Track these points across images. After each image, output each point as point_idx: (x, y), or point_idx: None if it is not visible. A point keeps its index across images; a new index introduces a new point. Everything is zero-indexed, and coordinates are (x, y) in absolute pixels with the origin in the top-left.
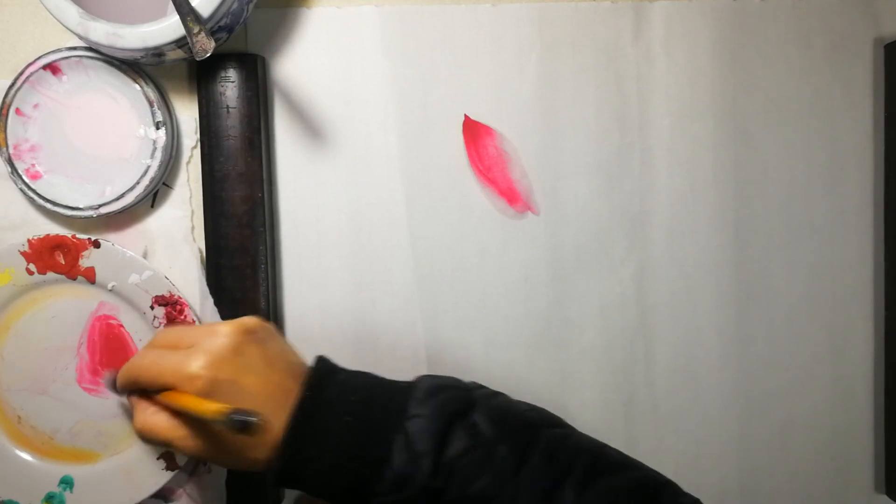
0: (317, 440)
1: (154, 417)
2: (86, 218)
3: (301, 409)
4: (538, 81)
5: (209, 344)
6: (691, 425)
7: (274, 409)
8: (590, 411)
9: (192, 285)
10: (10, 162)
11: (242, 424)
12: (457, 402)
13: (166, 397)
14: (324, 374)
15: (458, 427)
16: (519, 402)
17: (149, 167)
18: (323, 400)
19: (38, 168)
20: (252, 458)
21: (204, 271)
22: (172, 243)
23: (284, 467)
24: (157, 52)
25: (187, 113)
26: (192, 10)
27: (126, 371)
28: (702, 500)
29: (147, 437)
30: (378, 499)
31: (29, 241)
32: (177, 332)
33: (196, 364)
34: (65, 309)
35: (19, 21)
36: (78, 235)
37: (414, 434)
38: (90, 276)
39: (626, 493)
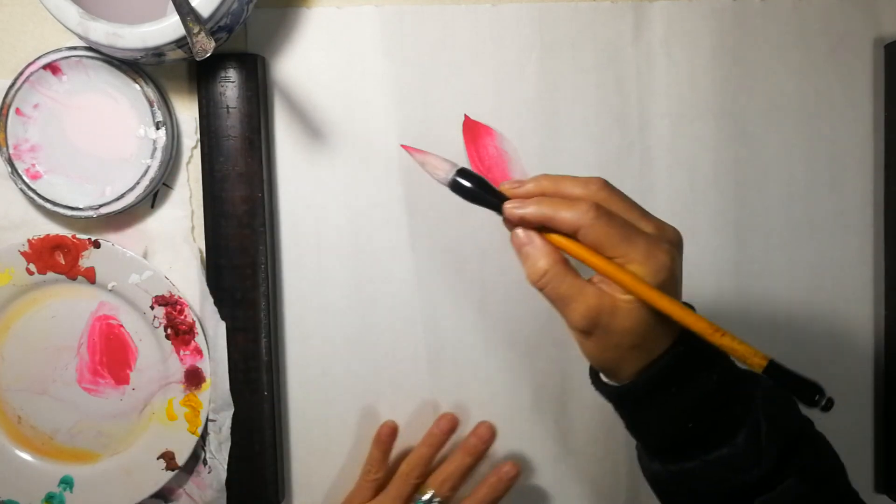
0: (684, 381)
1: (581, 283)
2: (86, 218)
3: (690, 341)
4: (538, 81)
5: (672, 238)
6: None
7: (664, 330)
8: (589, 411)
9: (192, 285)
10: (10, 162)
11: (814, 399)
12: (799, 421)
13: (633, 280)
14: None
15: (800, 447)
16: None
17: (149, 167)
18: (703, 347)
19: (38, 168)
20: (622, 357)
21: (204, 271)
22: (172, 243)
23: (638, 387)
24: (157, 52)
25: (187, 113)
26: (192, 10)
27: (572, 222)
28: None
29: (568, 294)
30: (702, 459)
31: (29, 241)
32: (627, 206)
33: (666, 257)
34: (65, 309)
35: (19, 21)
36: (78, 235)
37: (765, 427)
38: (90, 276)
39: None
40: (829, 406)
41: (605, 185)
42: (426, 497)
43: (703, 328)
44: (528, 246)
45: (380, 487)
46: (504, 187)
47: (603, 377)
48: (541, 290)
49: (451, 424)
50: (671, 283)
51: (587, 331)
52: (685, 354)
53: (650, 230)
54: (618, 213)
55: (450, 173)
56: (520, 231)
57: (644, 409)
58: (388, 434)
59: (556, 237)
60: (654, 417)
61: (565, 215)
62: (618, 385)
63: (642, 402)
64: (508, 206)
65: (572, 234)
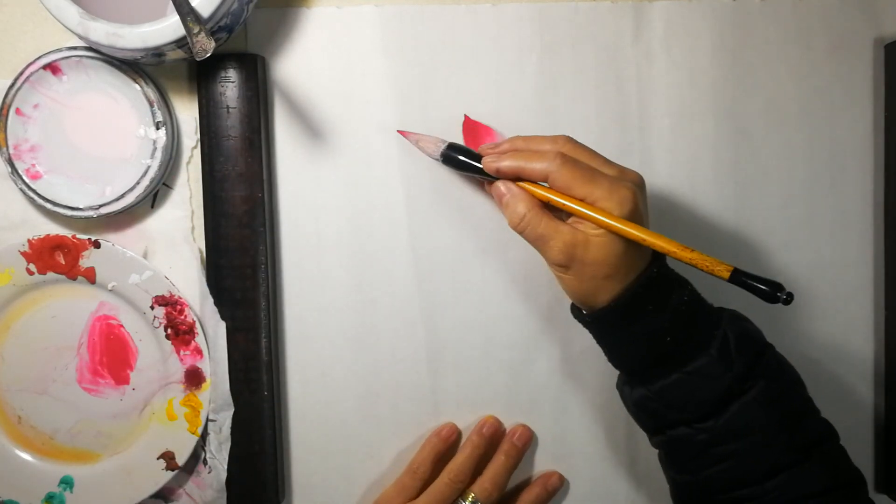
0: (659, 300)
1: (556, 223)
2: (86, 218)
3: (660, 267)
4: (538, 81)
5: (633, 178)
6: None
7: (635, 259)
8: (590, 411)
9: (192, 285)
10: (10, 162)
11: (772, 296)
12: (762, 341)
13: (600, 213)
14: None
15: (765, 357)
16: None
17: (149, 167)
18: (672, 273)
19: (38, 168)
20: (597, 288)
21: (204, 271)
22: (172, 243)
23: (616, 310)
24: (157, 52)
25: (187, 113)
26: (192, 10)
27: (542, 170)
28: None
29: (545, 234)
30: (682, 372)
31: (29, 241)
32: (591, 156)
33: (628, 192)
34: (65, 309)
35: (19, 21)
36: (78, 235)
37: (733, 339)
38: (90, 277)
39: None
40: (789, 299)
41: (570, 139)
42: (468, 501)
43: (672, 246)
44: (507, 196)
45: (424, 487)
46: (483, 149)
47: (584, 312)
48: (521, 232)
49: (495, 428)
50: (636, 215)
51: (565, 265)
52: (657, 277)
53: (612, 173)
54: (582, 160)
55: (440, 148)
56: (499, 184)
57: (625, 329)
58: (448, 436)
59: (529, 186)
60: (635, 336)
61: (535, 165)
62: (600, 308)
63: (623, 323)
64: (486, 160)
65: (543, 182)
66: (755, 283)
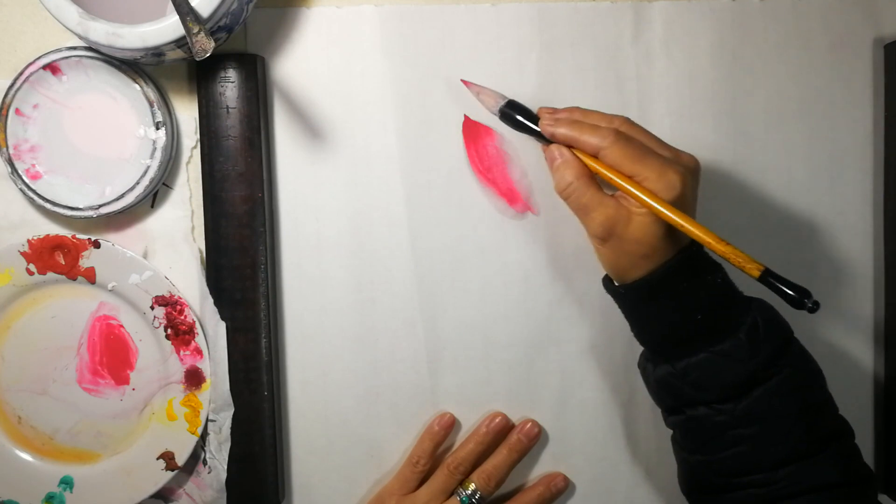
0: (693, 278)
1: (601, 195)
2: (86, 218)
3: (697, 248)
4: (538, 81)
5: (686, 163)
6: None
7: (672, 244)
8: (590, 411)
9: (192, 285)
10: (10, 162)
11: (799, 302)
12: (789, 330)
13: (646, 193)
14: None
15: (792, 347)
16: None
17: (149, 167)
18: (708, 256)
19: (38, 168)
20: (633, 265)
21: (204, 271)
22: (172, 243)
23: (651, 282)
24: (157, 52)
25: (187, 113)
26: (192, 10)
27: (594, 145)
28: None
29: (588, 204)
30: (709, 351)
31: (29, 241)
32: (647, 136)
33: (677, 177)
34: (65, 309)
35: (19, 21)
36: (78, 235)
37: (762, 325)
38: (90, 277)
39: None
40: (815, 308)
41: (628, 120)
42: (469, 491)
43: (708, 237)
44: (558, 160)
45: (424, 479)
46: (541, 111)
47: (617, 284)
48: (566, 199)
49: (502, 425)
50: (681, 201)
51: (604, 238)
52: (694, 255)
53: (667, 154)
54: (637, 139)
55: (499, 104)
56: (553, 147)
57: (657, 303)
58: (444, 426)
59: (582, 154)
60: (667, 310)
61: (588, 139)
62: (636, 279)
63: (655, 296)
64: (543, 123)
65: (594, 156)
66: (783, 288)
